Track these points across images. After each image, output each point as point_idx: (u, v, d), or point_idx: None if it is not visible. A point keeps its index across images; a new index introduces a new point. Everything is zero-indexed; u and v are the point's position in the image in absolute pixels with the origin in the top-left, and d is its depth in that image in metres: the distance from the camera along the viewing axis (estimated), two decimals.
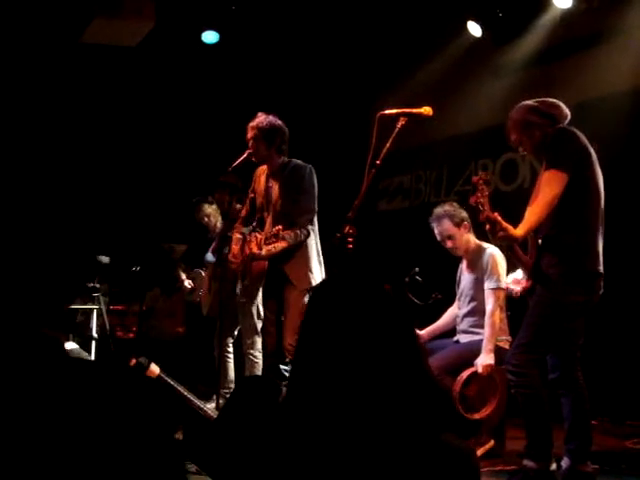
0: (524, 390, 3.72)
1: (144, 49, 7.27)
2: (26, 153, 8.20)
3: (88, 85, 8.16)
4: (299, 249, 4.85)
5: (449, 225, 4.85)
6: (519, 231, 3.65)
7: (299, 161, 4.98)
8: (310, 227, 4.83)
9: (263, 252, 4.80)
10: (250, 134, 4.94)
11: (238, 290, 5.37)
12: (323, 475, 1.44)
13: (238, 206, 6.01)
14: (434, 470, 1.42)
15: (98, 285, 7.09)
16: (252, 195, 5.15)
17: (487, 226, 3.64)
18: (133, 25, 6.54)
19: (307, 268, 4.83)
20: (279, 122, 4.95)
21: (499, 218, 3.59)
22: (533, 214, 3.70)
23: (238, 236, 5.04)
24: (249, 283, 5.21)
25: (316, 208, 4.89)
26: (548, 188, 3.67)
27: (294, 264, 4.85)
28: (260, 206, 5.07)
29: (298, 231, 4.78)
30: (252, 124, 4.94)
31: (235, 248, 5.05)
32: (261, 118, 4.93)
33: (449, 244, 4.90)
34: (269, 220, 4.96)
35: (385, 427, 1.44)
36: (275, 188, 4.96)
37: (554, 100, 3.92)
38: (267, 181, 5.04)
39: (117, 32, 6.62)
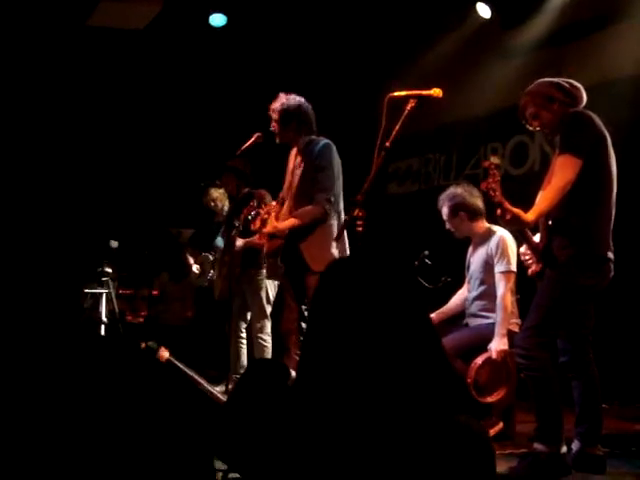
0: (534, 373, 3.71)
1: (151, 32, 7.25)
2: (32, 138, 8.20)
3: (95, 68, 8.14)
4: (317, 228, 4.63)
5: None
6: (530, 216, 3.64)
7: (322, 138, 4.80)
8: (329, 207, 4.61)
9: (265, 229, 4.73)
10: (272, 116, 4.88)
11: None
12: (334, 458, 1.43)
13: (246, 190, 6.00)
14: (449, 450, 1.41)
15: (108, 269, 7.11)
16: (286, 176, 5.04)
17: (498, 210, 3.62)
18: (140, 8, 6.52)
19: (325, 250, 4.54)
20: (297, 102, 4.81)
21: (508, 205, 3.58)
22: (545, 199, 3.68)
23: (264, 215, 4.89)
24: (268, 260, 5.12)
25: (335, 186, 4.67)
26: (561, 174, 3.65)
27: (311, 243, 4.63)
28: (288, 186, 4.97)
29: (312, 208, 4.63)
30: (271, 106, 4.84)
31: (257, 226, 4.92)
32: (279, 99, 4.82)
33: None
34: (288, 199, 4.87)
35: (399, 407, 1.43)
36: (299, 167, 4.84)
37: (575, 82, 3.90)
38: (295, 160, 4.95)
39: (124, 15, 6.60)
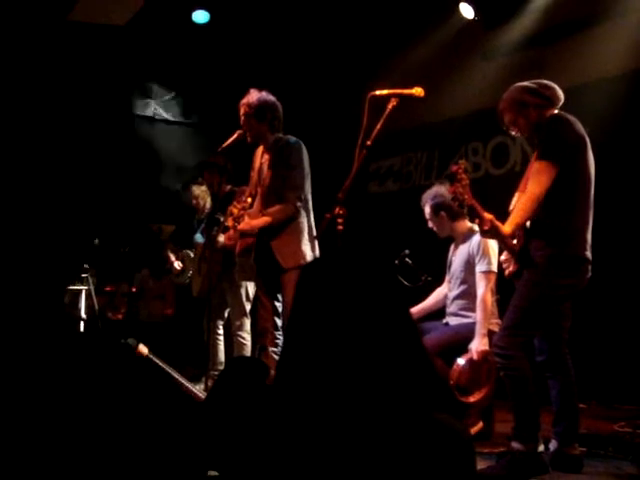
0: (511, 372, 3.72)
1: (133, 28, 7.21)
2: (11, 134, 8.13)
3: (76, 64, 8.08)
4: (288, 226, 4.68)
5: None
6: (507, 228, 3.66)
7: (291, 137, 4.83)
8: (299, 204, 4.67)
9: (239, 226, 4.73)
10: (241, 111, 4.87)
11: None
12: (314, 456, 1.43)
13: (228, 187, 5.99)
14: (429, 449, 1.41)
15: (87, 266, 7.07)
16: (252, 173, 5.06)
17: (476, 220, 3.70)
18: (122, 3, 6.48)
19: (296, 246, 4.65)
20: (270, 98, 4.82)
21: (483, 213, 3.63)
22: (521, 210, 3.70)
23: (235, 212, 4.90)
24: (238, 260, 5.13)
25: (305, 184, 4.72)
26: (536, 183, 3.67)
27: (282, 241, 4.69)
28: (255, 183, 4.99)
29: (284, 207, 4.66)
30: (243, 101, 4.82)
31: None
32: (252, 95, 4.81)
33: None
34: (258, 197, 4.88)
35: (379, 406, 1.43)
36: (266, 165, 4.88)
37: (549, 82, 3.91)
38: (262, 158, 4.95)
39: (106, 10, 6.56)
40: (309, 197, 4.78)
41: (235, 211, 4.71)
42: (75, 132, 8.47)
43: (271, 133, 4.84)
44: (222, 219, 5.40)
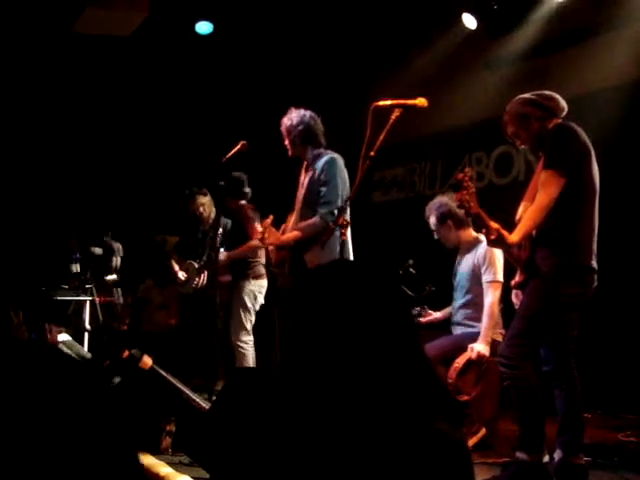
0: (517, 382, 3.71)
1: (137, 39, 7.24)
2: (16, 143, 8.17)
3: (80, 75, 8.12)
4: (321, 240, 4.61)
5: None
6: (514, 237, 3.66)
7: (329, 152, 4.83)
8: (332, 219, 4.53)
9: (267, 241, 4.77)
10: (284, 131, 4.88)
11: None
12: (315, 465, 1.43)
13: (242, 202, 6.07)
14: (426, 458, 1.41)
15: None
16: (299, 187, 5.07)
17: (483, 230, 3.70)
18: (126, 15, 6.50)
19: (328, 260, 4.64)
20: (300, 116, 4.82)
21: (489, 222, 3.63)
22: (529, 220, 3.69)
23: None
24: (275, 270, 5.18)
25: (339, 199, 4.65)
26: (545, 192, 3.67)
27: (315, 254, 4.64)
28: (297, 198, 5.01)
29: (315, 221, 4.65)
30: (287, 123, 4.85)
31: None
32: (289, 114, 4.85)
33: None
34: (295, 211, 4.90)
35: (378, 414, 1.43)
36: (305, 180, 4.88)
37: (551, 92, 3.91)
38: (305, 173, 4.94)
39: (110, 22, 6.57)
40: (346, 211, 4.75)
41: (262, 225, 4.77)
42: (76, 142, 8.51)
43: (310, 149, 4.85)
44: (219, 235, 5.47)
